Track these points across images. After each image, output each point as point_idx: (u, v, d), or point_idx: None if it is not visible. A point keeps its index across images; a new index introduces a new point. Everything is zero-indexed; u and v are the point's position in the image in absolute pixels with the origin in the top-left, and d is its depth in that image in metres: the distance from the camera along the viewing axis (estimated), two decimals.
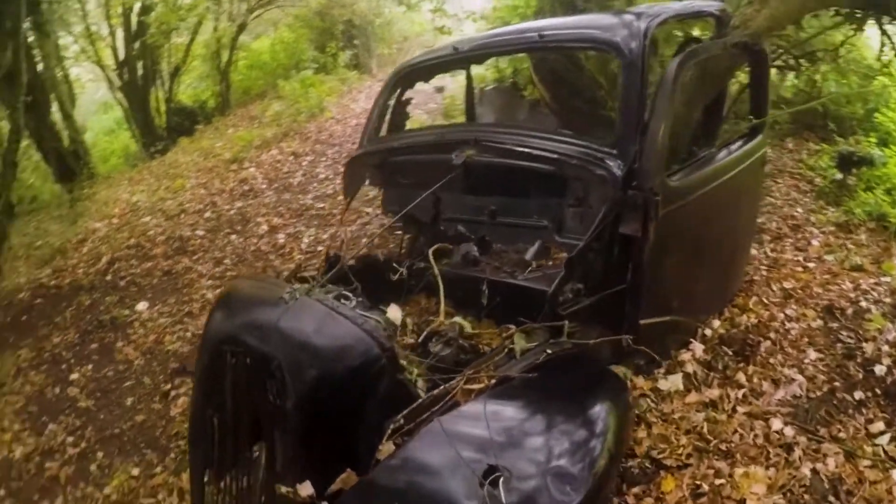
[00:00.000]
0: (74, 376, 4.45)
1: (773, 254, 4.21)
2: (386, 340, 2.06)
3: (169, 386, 4.12)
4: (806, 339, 3.31)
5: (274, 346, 2.04)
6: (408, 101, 3.91)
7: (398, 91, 3.78)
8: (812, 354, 3.19)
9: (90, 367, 4.51)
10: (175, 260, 6.15)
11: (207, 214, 7.24)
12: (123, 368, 4.46)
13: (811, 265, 4.07)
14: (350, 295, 2.22)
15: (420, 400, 2.10)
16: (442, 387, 2.16)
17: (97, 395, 4.25)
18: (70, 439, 3.86)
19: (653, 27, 2.77)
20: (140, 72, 11.38)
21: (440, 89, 9.65)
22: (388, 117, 3.82)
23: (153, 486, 3.37)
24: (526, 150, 2.86)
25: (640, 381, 3.00)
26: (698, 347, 3.24)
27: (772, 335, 3.35)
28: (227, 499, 2.26)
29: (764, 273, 3.95)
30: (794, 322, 3.46)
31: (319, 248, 5.92)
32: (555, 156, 2.78)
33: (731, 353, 3.22)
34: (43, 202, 10.28)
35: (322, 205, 6.92)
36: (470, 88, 4.41)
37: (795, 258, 4.13)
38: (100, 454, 3.73)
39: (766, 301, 3.67)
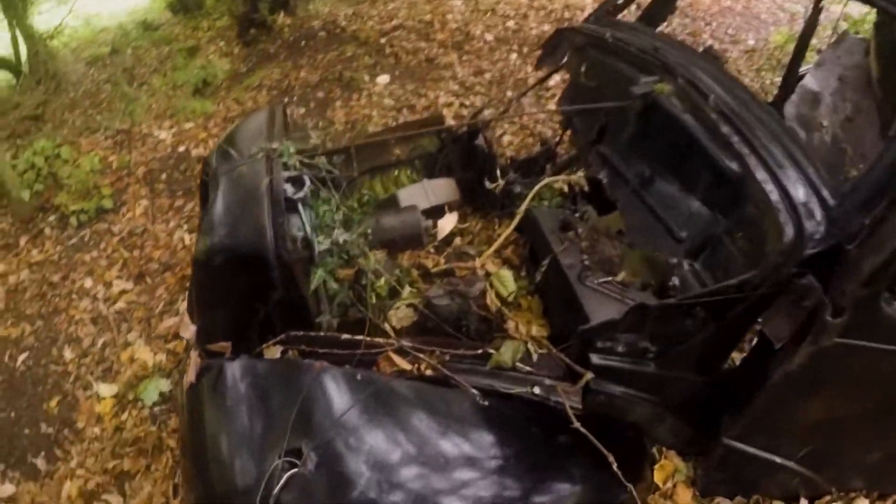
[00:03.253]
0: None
1: None
2: (287, 252, 1.71)
3: None
4: None
5: (212, 188, 1.82)
6: None
7: None
8: None
9: (302, 111, 4.81)
10: (445, 52, 6.00)
11: (510, 24, 6.78)
12: (323, 126, 4.68)
13: None
14: (306, 181, 1.78)
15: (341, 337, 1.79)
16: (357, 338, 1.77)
17: None
18: None
19: None
20: None
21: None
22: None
23: None
24: (723, 125, 1.84)
25: (686, 494, 2.14)
26: None
27: None
28: None
29: None
30: None
31: None
32: (750, 156, 1.75)
33: None
34: None
35: None
36: (812, 23, 3.03)
37: None
38: None
39: None
